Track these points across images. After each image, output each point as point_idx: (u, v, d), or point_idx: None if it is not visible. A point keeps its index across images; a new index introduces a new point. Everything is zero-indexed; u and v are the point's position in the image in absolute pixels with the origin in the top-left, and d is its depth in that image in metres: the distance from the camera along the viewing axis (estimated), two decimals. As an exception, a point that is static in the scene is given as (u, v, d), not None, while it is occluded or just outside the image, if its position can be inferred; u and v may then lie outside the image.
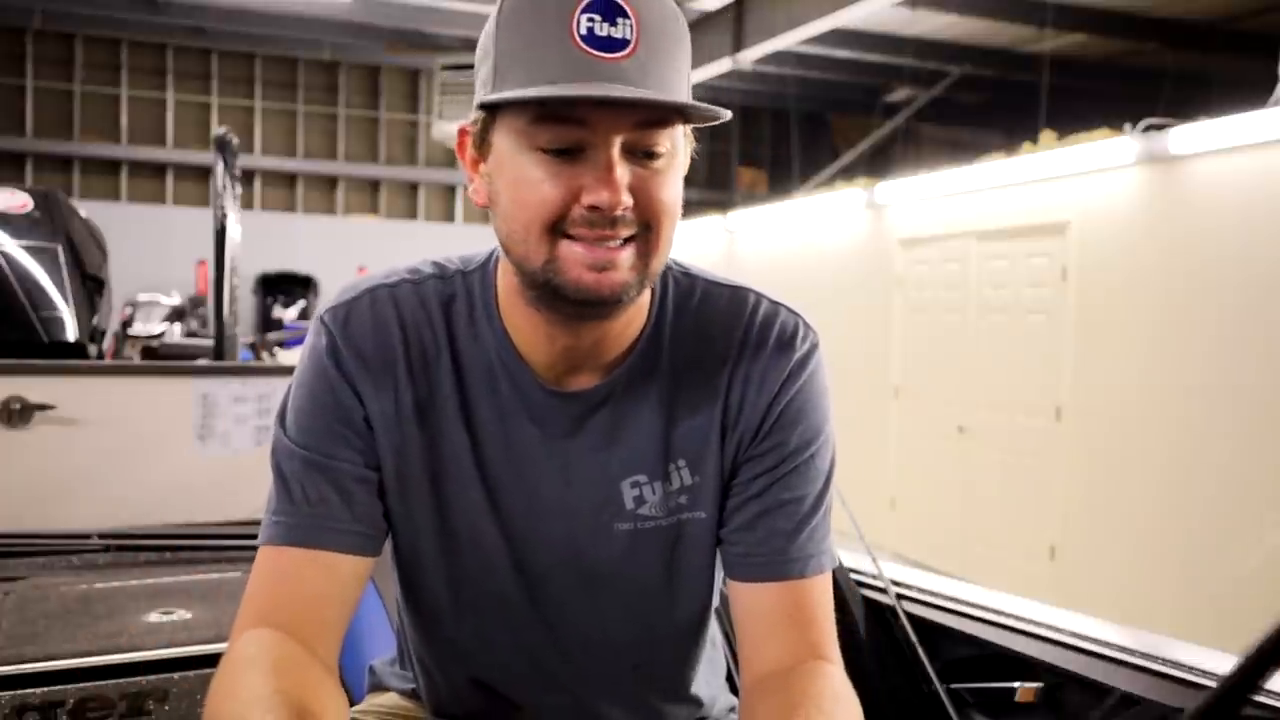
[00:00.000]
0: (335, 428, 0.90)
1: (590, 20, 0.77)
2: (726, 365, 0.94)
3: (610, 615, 0.97)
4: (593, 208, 0.79)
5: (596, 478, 0.93)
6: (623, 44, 0.77)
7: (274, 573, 0.87)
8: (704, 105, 0.79)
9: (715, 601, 1.04)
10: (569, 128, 0.78)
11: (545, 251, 0.81)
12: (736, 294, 0.97)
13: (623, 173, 0.79)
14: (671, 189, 0.83)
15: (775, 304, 0.97)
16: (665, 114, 0.80)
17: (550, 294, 0.83)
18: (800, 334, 0.96)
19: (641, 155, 0.81)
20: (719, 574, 1.01)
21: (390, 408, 0.91)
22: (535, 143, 0.80)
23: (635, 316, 0.92)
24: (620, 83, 0.77)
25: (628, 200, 0.80)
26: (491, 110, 0.83)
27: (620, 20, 0.77)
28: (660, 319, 0.94)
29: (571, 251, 0.81)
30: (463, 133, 0.88)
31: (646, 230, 0.82)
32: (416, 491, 0.93)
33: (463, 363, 0.92)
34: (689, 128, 0.86)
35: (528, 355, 0.91)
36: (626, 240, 0.81)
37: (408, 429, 0.91)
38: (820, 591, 0.94)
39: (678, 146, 0.84)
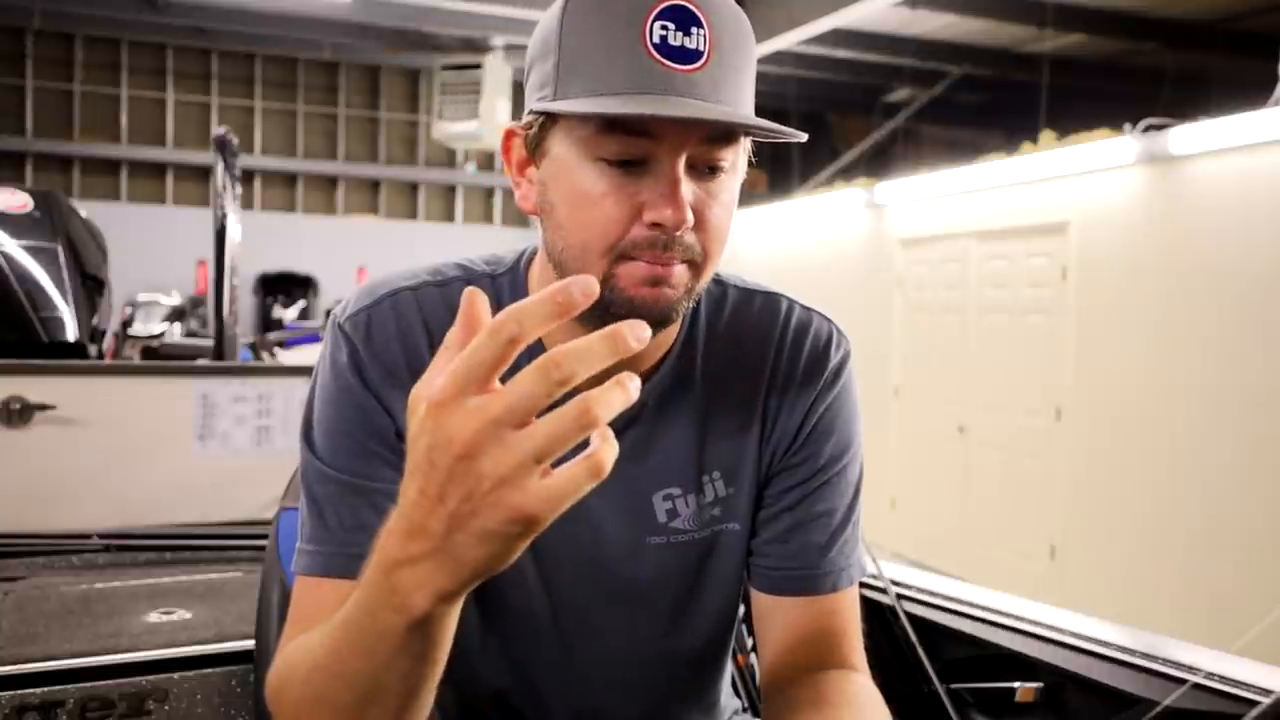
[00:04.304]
0: (368, 446, 0.84)
1: (664, 28, 0.74)
2: (762, 374, 0.93)
3: (637, 629, 0.94)
4: (655, 225, 0.76)
5: (627, 491, 0.90)
6: (696, 55, 0.74)
7: (315, 606, 0.81)
8: (777, 126, 0.76)
9: (740, 611, 1.03)
10: (636, 140, 0.75)
11: (603, 270, 0.78)
12: (769, 299, 0.95)
13: (686, 190, 0.76)
14: (730, 205, 0.81)
15: (808, 309, 0.96)
16: (731, 130, 0.77)
17: (600, 310, 0.80)
18: (834, 341, 0.95)
19: (705, 170, 0.78)
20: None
21: None
22: (598, 153, 0.77)
23: (669, 326, 0.90)
24: (693, 96, 0.74)
25: (692, 219, 0.77)
26: (550, 113, 0.79)
27: (695, 30, 0.74)
28: (693, 328, 0.92)
29: (630, 270, 0.78)
30: (511, 134, 0.84)
31: (705, 258, 0.80)
32: None
33: None
34: (749, 143, 0.83)
35: None
36: (684, 261, 0.79)
37: None
38: (849, 604, 0.94)
39: (738, 160, 0.82)
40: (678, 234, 0.77)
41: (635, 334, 0.54)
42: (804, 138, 0.77)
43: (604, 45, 0.75)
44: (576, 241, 0.79)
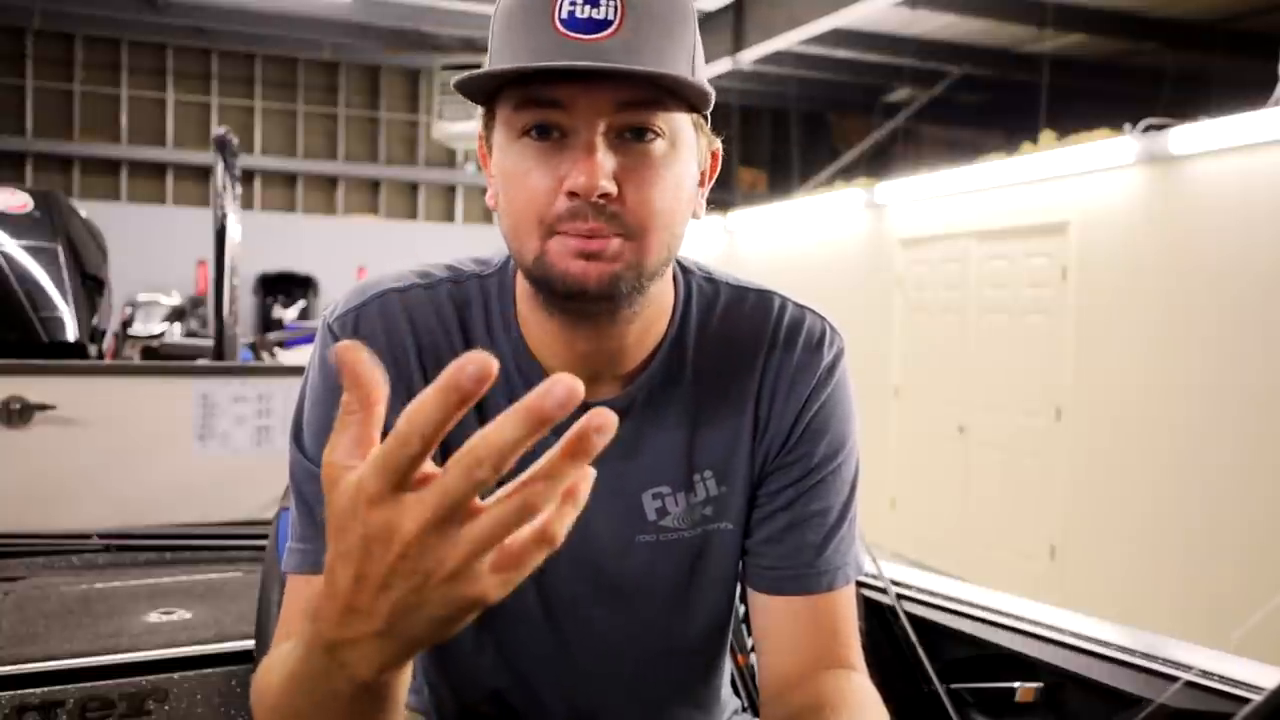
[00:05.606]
0: None
1: (572, 4, 0.75)
2: (754, 372, 0.92)
3: (629, 628, 0.94)
4: (572, 194, 0.76)
5: (617, 489, 0.90)
6: (604, 24, 0.75)
7: (306, 602, 0.81)
8: (683, 78, 0.75)
9: (738, 611, 1.03)
10: (547, 111, 0.77)
11: (536, 246, 0.79)
12: (762, 297, 0.95)
13: (606, 157, 0.76)
14: (671, 179, 0.79)
15: (801, 307, 0.95)
16: (651, 94, 0.77)
17: (546, 290, 0.81)
18: (828, 338, 0.94)
19: (632, 137, 0.78)
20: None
21: None
22: (519, 130, 0.78)
23: (656, 323, 0.89)
24: (600, 61, 0.74)
25: (608, 186, 0.76)
26: (491, 109, 0.81)
27: (603, 1, 0.75)
28: (683, 326, 0.92)
29: (560, 243, 0.78)
30: (480, 138, 0.86)
31: (639, 232, 0.78)
32: None
33: None
34: (698, 118, 0.82)
35: (546, 362, 0.88)
36: (617, 235, 0.78)
37: None
38: (846, 603, 0.93)
39: (679, 133, 0.80)
40: (601, 204, 0.77)
41: (556, 399, 0.48)
42: (711, 91, 0.77)
43: (521, 30, 0.77)
44: (513, 221, 0.80)
